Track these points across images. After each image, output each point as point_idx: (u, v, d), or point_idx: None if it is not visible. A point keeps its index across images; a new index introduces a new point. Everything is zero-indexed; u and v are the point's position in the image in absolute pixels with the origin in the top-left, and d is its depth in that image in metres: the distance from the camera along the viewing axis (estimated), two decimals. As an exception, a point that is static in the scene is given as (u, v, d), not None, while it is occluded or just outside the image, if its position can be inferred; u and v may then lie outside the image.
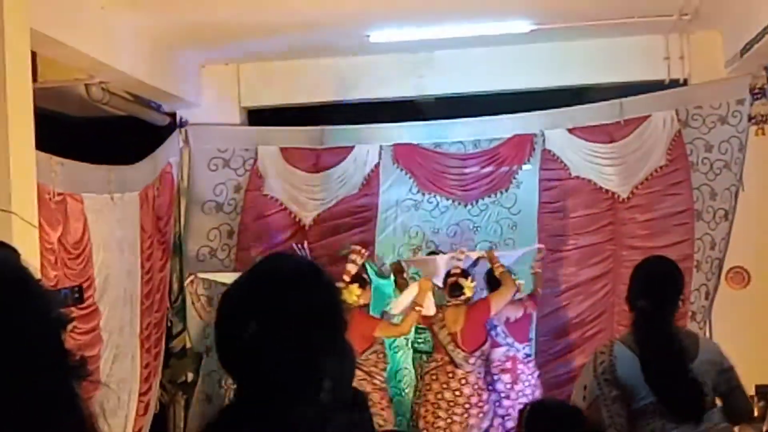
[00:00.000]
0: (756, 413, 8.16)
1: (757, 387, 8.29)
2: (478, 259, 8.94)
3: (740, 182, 9.23)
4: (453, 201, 9.83)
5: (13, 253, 1.97)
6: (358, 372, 8.19)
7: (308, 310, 2.25)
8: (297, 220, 9.87)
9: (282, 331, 2.21)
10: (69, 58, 7.49)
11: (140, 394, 8.50)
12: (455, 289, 8.58)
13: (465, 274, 8.66)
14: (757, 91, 8.99)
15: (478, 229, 9.70)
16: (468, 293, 8.62)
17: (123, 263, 8.43)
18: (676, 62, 9.37)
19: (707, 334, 9.37)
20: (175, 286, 9.75)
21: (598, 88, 9.89)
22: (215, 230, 9.87)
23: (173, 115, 9.86)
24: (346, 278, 8.37)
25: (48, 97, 8.16)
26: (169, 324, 9.56)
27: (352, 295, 8.31)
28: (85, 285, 7.71)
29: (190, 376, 9.79)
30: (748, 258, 9.33)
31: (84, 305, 7.66)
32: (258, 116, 10.29)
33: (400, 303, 8.68)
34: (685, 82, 9.45)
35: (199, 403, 9.72)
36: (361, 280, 8.50)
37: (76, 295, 5.38)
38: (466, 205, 9.82)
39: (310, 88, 9.86)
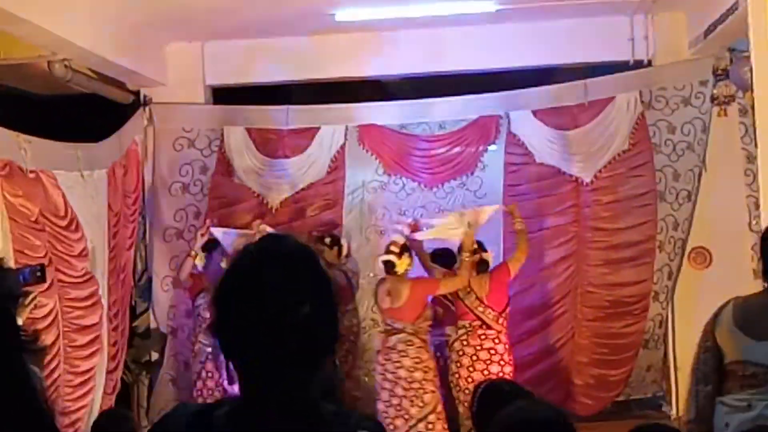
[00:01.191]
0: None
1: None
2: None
3: (703, 163, 9.30)
4: (419, 183, 9.84)
5: None
6: (415, 340, 8.23)
7: (334, 290, 2.28)
8: (264, 202, 9.84)
9: (329, 311, 2.23)
10: (31, 35, 7.42)
11: (108, 372, 8.51)
12: (482, 265, 8.56)
13: (482, 247, 8.65)
14: (720, 72, 9.03)
15: (444, 212, 9.71)
16: (490, 263, 8.61)
17: (100, 239, 8.44)
18: (640, 43, 9.42)
19: (670, 314, 9.46)
20: (139, 266, 9.70)
21: (563, 69, 9.91)
22: (181, 211, 9.82)
23: (137, 93, 9.79)
24: (395, 249, 8.34)
25: (10, 74, 8.11)
26: (133, 303, 9.53)
27: (404, 265, 8.31)
28: (82, 254, 7.85)
29: (154, 356, 9.76)
30: (710, 238, 9.41)
31: (79, 274, 7.72)
32: (223, 95, 10.23)
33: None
34: (650, 63, 9.51)
35: (164, 384, 9.70)
36: (407, 249, 8.48)
37: (38, 274, 5.34)
38: (432, 188, 9.83)
39: (275, 66, 9.80)
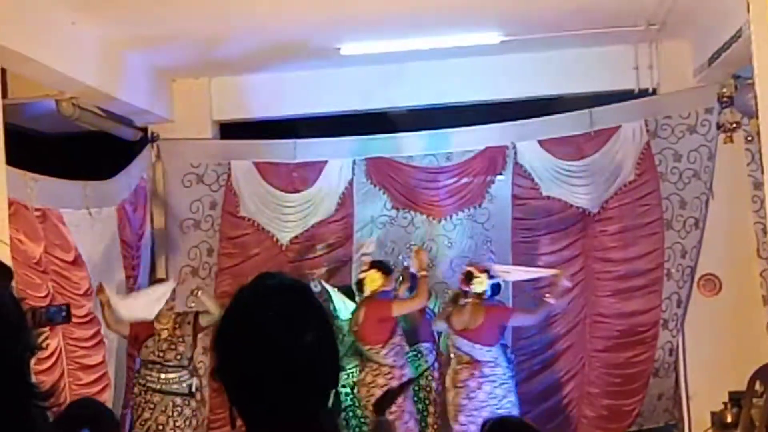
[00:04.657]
0: (730, 419, 8.21)
1: (730, 394, 8.33)
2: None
3: (710, 191, 9.30)
4: (427, 216, 9.83)
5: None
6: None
7: (331, 322, 2.29)
8: (275, 240, 9.84)
9: (331, 341, 2.23)
10: (39, 74, 7.47)
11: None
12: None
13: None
14: (725, 99, 9.03)
15: (453, 244, 9.70)
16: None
17: (109, 277, 8.47)
18: (644, 72, 9.42)
19: (680, 341, 9.43)
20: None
21: (569, 98, 9.92)
22: (195, 248, 9.83)
23: (145, 130, 9.82)
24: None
25: (18, 113, 8.14)
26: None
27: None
28: (87, 293, 7.89)
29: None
30: (720, 265, 9.38)
31: (83, 313, 7.74)
32: (230, 130, 10.26)
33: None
34: (654, 92, 9.51)
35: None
36: None
37: (63, 314, 5.34)
38: (440, 221, 9.82)
39: (281, 101, 9.86)
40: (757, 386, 7.58)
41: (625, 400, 9.53)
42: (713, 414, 8.70)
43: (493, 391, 8.23)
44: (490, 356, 8.30)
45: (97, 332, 8.07)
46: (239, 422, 2.17)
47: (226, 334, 2.20)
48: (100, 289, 8.36)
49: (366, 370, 8.29)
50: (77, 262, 7.78)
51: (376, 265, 8.50)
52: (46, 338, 6.20)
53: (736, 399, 8.16)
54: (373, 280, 8.31)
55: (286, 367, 2.11)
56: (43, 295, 7.21)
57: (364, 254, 9.39)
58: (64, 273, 7.58)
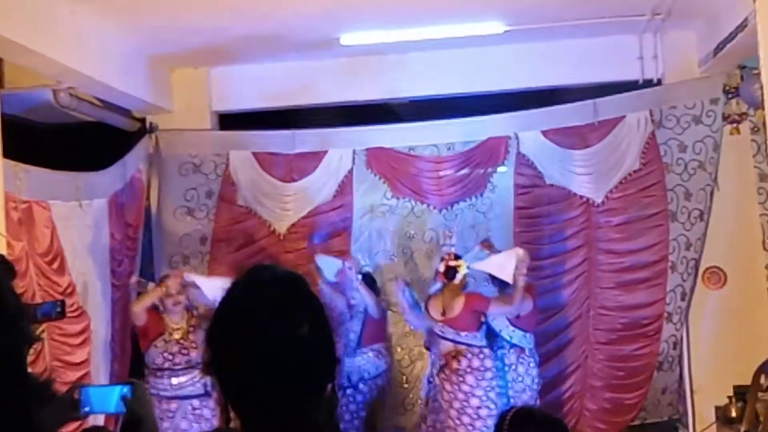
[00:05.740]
0: (734, 414, 8.17)
1: (735, 387, 8.30)
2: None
3: (715, 182, 9.24)
4: (428, 206, 9.78)
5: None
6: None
7: (327, 314, 2.28)
8: (271, 229, 9.78)
9: (326, 334, 2.23)
10: (38, 64, 7.40)
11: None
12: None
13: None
14: (731, 90, 8.98)
15: (454, 234, 9.64)
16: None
17: (98, 270, 8.39)
18: (649, 62, 9.37)
19: (684, 334, 9.38)
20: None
21: (572, 89, 9.87)
22: (187, 236, 9.76)
23: (143, 121, 9.76)
24: None
25: (15, 103, 8.07)
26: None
27: None
28: (66, 291, 7.70)
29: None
30: (725, 258, 9.33)
31: (71, 308, 7.64)
32: (229, 120, 10.20)
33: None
34: (659, 82, 9.46)
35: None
36: None
37: (59, 309, 5.30)
38: (440, 210, 9.77)
39: (281, 91, 9.78)
40: (763, 380, 7.54)
41: (628, 394, 9.48)
42: (717, 408, 8.67)
43: (536, 377, 8.69)
44: (533, 343, 8.83)
45: (85, 328, 7.93)
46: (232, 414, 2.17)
47: (220, 328, 2.20)
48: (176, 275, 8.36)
49: (457, 356, 8.41)
50: (53, 262, 7.60)
51: (458, 256, 8.75)
52: (42, 332, 6.16)
53: (740, 393, 8.13)
54: (463, 267, 8.56)
55: (280, 360, 2.10)
56: (23, 290, 7.08)
57: (445, 245, 9.38)
58: (43, 271, 7.46)
